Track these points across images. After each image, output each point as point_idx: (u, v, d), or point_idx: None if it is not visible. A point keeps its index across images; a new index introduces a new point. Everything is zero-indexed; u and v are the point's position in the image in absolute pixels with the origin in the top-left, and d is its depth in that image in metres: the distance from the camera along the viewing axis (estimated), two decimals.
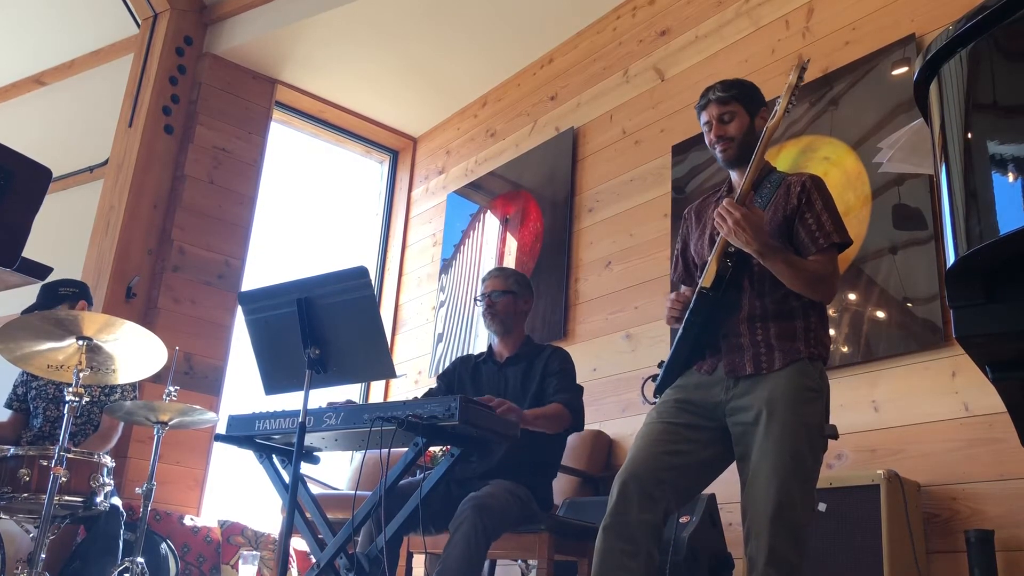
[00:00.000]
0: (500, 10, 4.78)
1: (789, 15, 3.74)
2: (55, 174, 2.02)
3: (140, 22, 5.24)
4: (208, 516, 4.47)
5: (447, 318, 5.17)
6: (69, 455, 2.88)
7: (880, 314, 3.04)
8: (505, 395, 2.92)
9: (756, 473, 2.03)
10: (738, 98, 2.26)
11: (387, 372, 2.43)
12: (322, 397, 2.60)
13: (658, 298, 3.89)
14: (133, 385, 3.65)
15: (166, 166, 4.94)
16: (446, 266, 5.36)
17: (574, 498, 3.49)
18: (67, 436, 2.75)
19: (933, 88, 1.26)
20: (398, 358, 5.49)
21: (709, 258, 2.19)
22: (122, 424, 3.61)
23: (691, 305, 2.20)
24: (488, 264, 4.96)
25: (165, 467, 4.29)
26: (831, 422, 2.12)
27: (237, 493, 4.87)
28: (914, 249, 2.98)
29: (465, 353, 4.79)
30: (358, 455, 4.58)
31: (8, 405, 3.69)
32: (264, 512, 4.62)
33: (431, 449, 3.19)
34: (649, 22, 4.45)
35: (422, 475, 2.68)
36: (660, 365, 2.32)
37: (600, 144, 4.54)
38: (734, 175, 2.31)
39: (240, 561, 4.06)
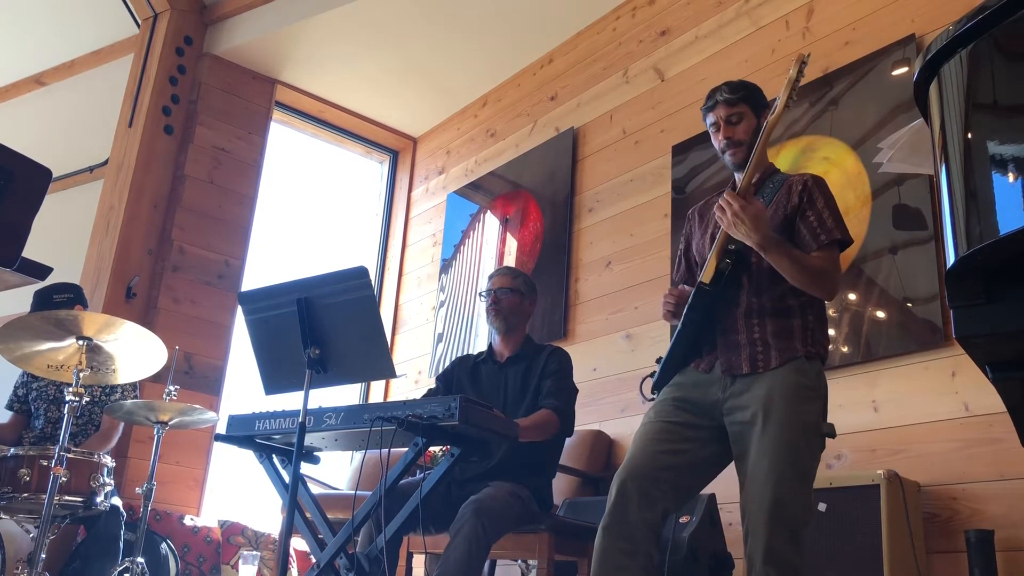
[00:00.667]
0: (500, 10, 4.78)
1: (789, 15, 3.74)
2: (55, 174, 2.02)
3: (140, 22, 5.24)
4: (208, 516, 4.47)
5: (447, 318, 5.17)
6: (69, 455, 2.88)
7: (880, 314, 3.04)
8: (505, 395, 2.92)
9: (754, 472, 2.02)
10: (745, 99, 2.25)
11: (387, 372, 2.42)
12: (322, 397, 2.61)
13: (658, 298, 3.86)
14: (134, 385, 3.65)
15: (166, 166, 4.94)
16: (446, 266, 5.36)
17: (574, 498, 3.49)
18: (67, 436, 2.75)
19: (933, 88, 1.26)
20: (398, 358, 5.49)
21: (709, 254, 2.19)
22: (122, 424, 3.61)
23: (690, 301, 2.19)
24: (488, 264, 4.96)
25: (165, 467, 4.30)
26: (828, 421, 2.11)
27: (237, 493, 4.87)
28: (914, 249, 2.98)
29: (465, 353, 4.80)
30: (358, 455, 4.57)
31: (9, 407, 3.69)
32: (264, 512, 4.62)
33: (431, 449, 3.19)
34: (649, 22, 4.45)
35: (422, 475, 2.68)
36: (658, 361, 2.32)
37: (600, 144, 4.54)
38: (739, 176, 2.31)
39: (240, 561, 4.06)
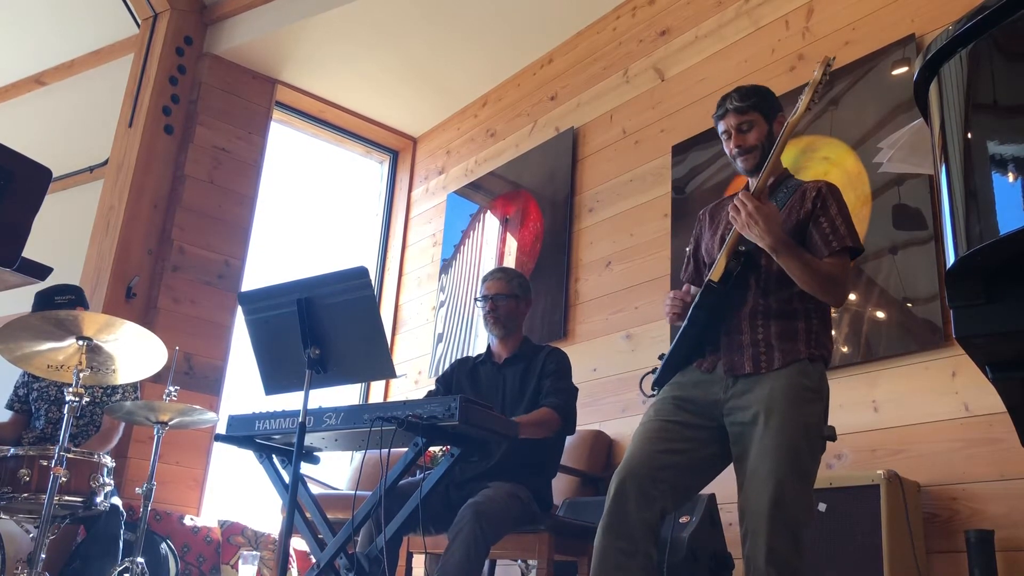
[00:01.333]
0: (500, 10, 4.78)
1: (789, 15, 3.74)
2: (55, 174, 2.02)
3: (140, 22, 5.24)
4: (208, 516, 4.47)
5: (447, 318, 5.17)
6: (69, 455, 2.88)
7: (880, 314, 3.04)
8: (503, 395, 2.93)
9: (754, 472, 2.02)
10: (756, 106, 2.25)
11: (387, 372, 2.42)
12: (322, 397, 2.61)
13: (658, 298, 3.89)
14: (134, 385, 3.65)
15: (166, 166, 4.94)
16: (446, 266, 5.36)
17: (574, 498, 3.49)
18: (67, 436, 2.74)
19: (933, 88, 1.26)
20: (398, 358, 5.49)
21: (719, 253, 2.19)
22: (123, 424, 3.61)
23: (697, 299, 2.19)
24: (488, 264, 4.96)
25: (165, 467, 4.30)
26: (829, 424, 2.11)
27: (237, 493, 4.87)
28: (914, 249, 2.98)
29: (465, 353, 4.80)
30: (358, 455, 4.57)
31: (9, 406, 3.69)
32: (264, 512, 4.62)
33: (431, 449, 3.19)
34: (649, 22, 4.45)
35: (422, 475, 2.68)
36: (661, 358, 2.31)
37: (600, 144, 4.54)
38: (753, 182, 2.31)
39: (240, 561, 4.06)
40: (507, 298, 3.00)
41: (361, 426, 2.36)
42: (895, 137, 2.73)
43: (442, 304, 5.26)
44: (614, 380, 3.99)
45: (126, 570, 2.99)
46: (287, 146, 5.87)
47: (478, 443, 2.38)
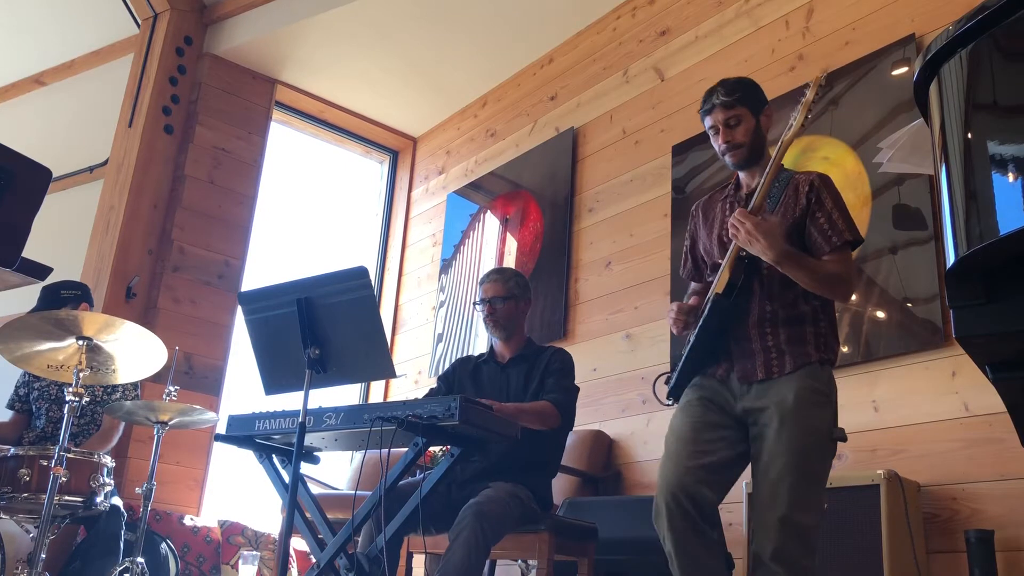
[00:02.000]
0: (500, 10, 4.78)
1: (789, 15, 3.74)
2: (55, 174, 2.02)
3: (140, 22, 5.24)
4: (208, 516, 4.47)
5: (447, 318, 5.17)
6: (69, 455, 2.88)
7: (880, 314, 3.04)
8: (507, 396, 2.92)
9: (766, 475, 2.05)
10: (743, 100, 2.24)
11: (387, 372, 2.42)
12: (322, 397, 2.61)
13: (658, 298, 3.89)
14: (135, 385, 3.65)
15: (166, 166, 4.94)
16: (446, 266, 5.36)
17: (574, 498, 3.49)
18: (67, 436, 2.74)
19: (933, 88, 1.26)
20: (398, 358, 5.49)
21: (722, 264, 2.19)
22: (123, 424, 3.61)
23: (705, 312, 2.20)
24: (488, 264, 4.96)
25: (165, 467, 4.29)
26: (839, 426, 2.13)
27: (237, 493, 4.87)
28: (914, 249, 2.98)
29: (465, 353, 4.80)
30: (358, 455, 4.57)
31: (10, 406, 3.69)
32: (264, 512, 4.62)
33: (431, 449, 3.19)
34: (649, 22, 4.45)
35: (422, 475, 2.68)
36: (674, 369, 2.32)
37: (600, 144, 4.54)
38: (743, 175, 2.32)
39: (240, 561, 4.06)
40: (505, 300, 2.99)
41: (361, 426, 2.36)
42: (895, 137, 2.73)
43: (442, 304, 5.26)
44: (614, 380, 3.99)
45: (126, 570, 2.99)
46: (287, 146, 5.88)
47: (478, 443, 2.38)
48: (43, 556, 2.69)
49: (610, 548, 3.02)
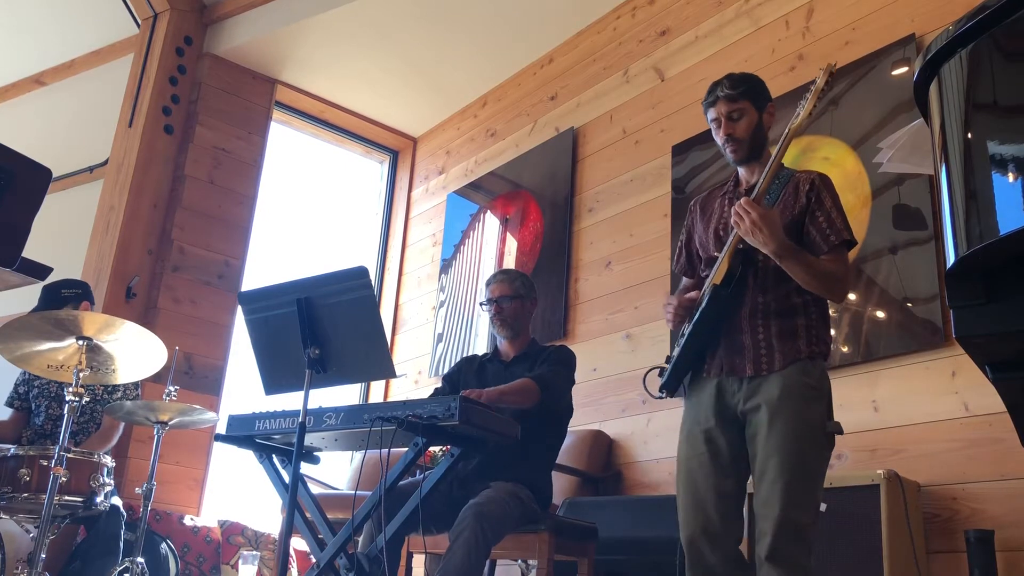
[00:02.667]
0: (500, 10, 4.78)
1: (789, 15, 3.74)
2: (55, 174, 2.02)
3: (140, 22, 5.24)
4: (208, 516, 4.47)
5: (447, 318, 5.17)
6: (69, 455, 2.88)
7: (880, 314, 3.04)
8: None
9: (762, 474, 2.05)
10: (747, 95, 2.24)
11: (387, 372, 2.42)
12: (322, 397, 2.60)
13: (658, 298, 3.89)
14: (136, 384, 3.65)
15: (166, 166, 4.94)
16: (446, 266, 5.36)
17: (574, 498, 3.49)
18: (67, 435, 2.74)
19: (933, 88, 1.25)
20: (398, 358, 5.49)
21: (721, 255, 2.19)
22: (123, 424, 3.60)
23: (703, 304, 2.19)
24: (488, 264, 4.96)
25: (165, 467, 4.29)
26: (835, 420, 2.12)
27: (237, 493, 4.87)
28: (914, 249, 2.98)
29: (465, 352, 4.80)
30: (358, 455, 4.57)
31: (9, 403, 3.69)
32: (264, 512, 4.62)
33: (431, 449, 3.19)
34: (649, 22, 4.45)
35: (422, 475, 2.68)
36: (668, 360, 2.31)
37: (600, 144, 4.54)
38: (742, 171, 2.32)
39: (240, 561, 4.06)
40: (511, 299, 3.01)
41: (361, 426, 2.36)
42: (895, 137, 2.73)
43: (442, 304, 5.26)
44: (614, 380, 3.99)
45: (126, 570, 2.99)
46: (287, 146, 5.87)
47: (478, 443, 2.38)
48: (43, 556, 2.69)
49: (610, 548, 3.02)
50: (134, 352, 3.01)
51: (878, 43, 3.31)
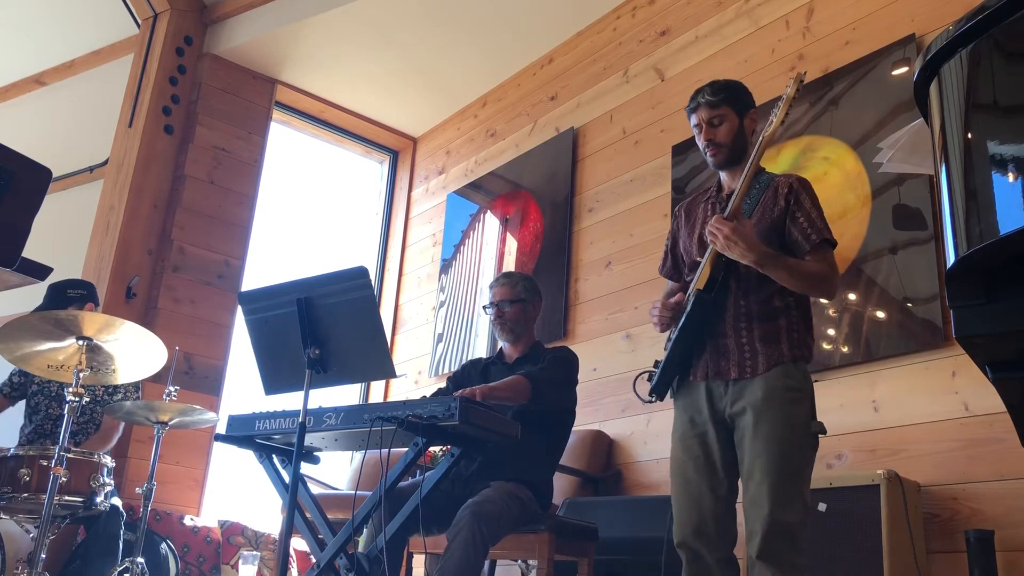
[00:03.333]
0: (500, 10, 4.78)
1: (789, 15, 3.74)
2: (55, 174, 2.02)
3: (140, 22, 5.24)
4: (208, 516, 4.47)
5: (447, 318, 5.17)
6: (69, 455, 2.88)
7: (880, 314, 3.04)
8: None
9: (750, 476, 2.08)
10: (727, 101, 2.29)
11: (387, 372, 2.42)
12: (322, 397, 2.60)
13: (658, 298, 3.88)
14: (136, 385, 3.65)
15: (166, 166, 4.94)
16: (446, 266, 5.36)
17: (574, 498, 3.49)
18: (67, 435, 2.74)
19: (933, 88, 1.25)
20: (398, 358, 5.49)
21: (703, 261, 2.22)
22: (123, 424, 3.60)
23: (688, 308, 2.23)
24: (488, 264, 4.96)
25: (165, 467, 4.29)
26: (820, 420, 2.14)
27: (237, 493, 4.87)
28: (914, 249, 2.98)
29: (465, 352, 4.80)
30: (358, 455, 4.57)
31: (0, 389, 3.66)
32: (264, 512, 4.62)
33: (431, 449, 3.19)
34: (649, 22, 4.45)
35: (422, 475, 2.68)
36: (656, 365, 2.33)
37: (600, 144, 4.54)
38: (724, 175, 2.37)
39: (240, 561, 4.06)
40: (512, 303, 3.01)
41: (361, 426, 2.36)
42: (895, 137, 2.72)
43: (442, 304, 5.26)
44: (614, 380, 3.99)
45: (126, 570, 2.99)
46: (287, 146, 5.87)
47: (478, 443, 2.38)
48: (43, 556, 2.69)
49: (610, 548, 3.02)
50: (134, 352, 3.01)
51: (878, 43, 3.31)
